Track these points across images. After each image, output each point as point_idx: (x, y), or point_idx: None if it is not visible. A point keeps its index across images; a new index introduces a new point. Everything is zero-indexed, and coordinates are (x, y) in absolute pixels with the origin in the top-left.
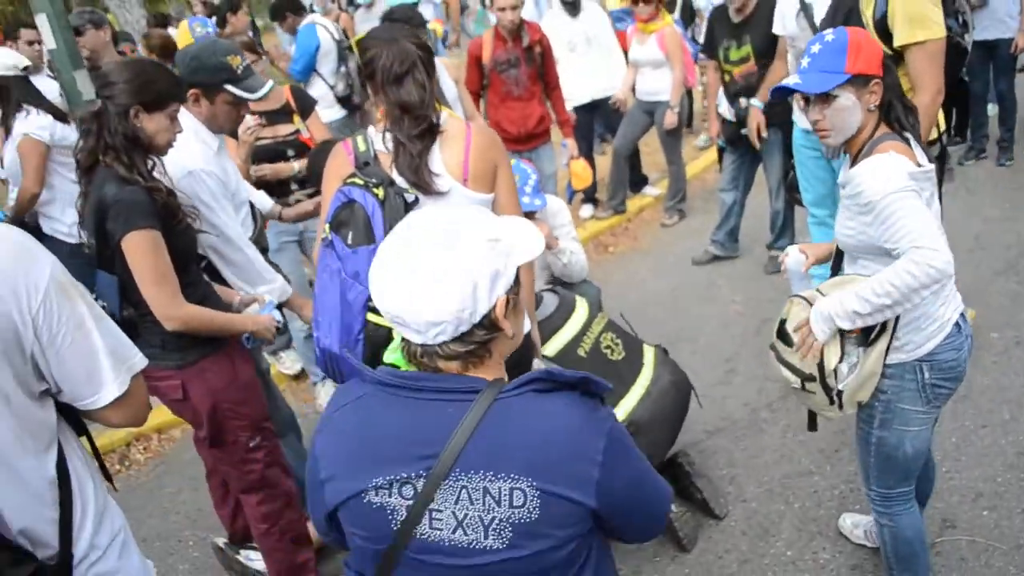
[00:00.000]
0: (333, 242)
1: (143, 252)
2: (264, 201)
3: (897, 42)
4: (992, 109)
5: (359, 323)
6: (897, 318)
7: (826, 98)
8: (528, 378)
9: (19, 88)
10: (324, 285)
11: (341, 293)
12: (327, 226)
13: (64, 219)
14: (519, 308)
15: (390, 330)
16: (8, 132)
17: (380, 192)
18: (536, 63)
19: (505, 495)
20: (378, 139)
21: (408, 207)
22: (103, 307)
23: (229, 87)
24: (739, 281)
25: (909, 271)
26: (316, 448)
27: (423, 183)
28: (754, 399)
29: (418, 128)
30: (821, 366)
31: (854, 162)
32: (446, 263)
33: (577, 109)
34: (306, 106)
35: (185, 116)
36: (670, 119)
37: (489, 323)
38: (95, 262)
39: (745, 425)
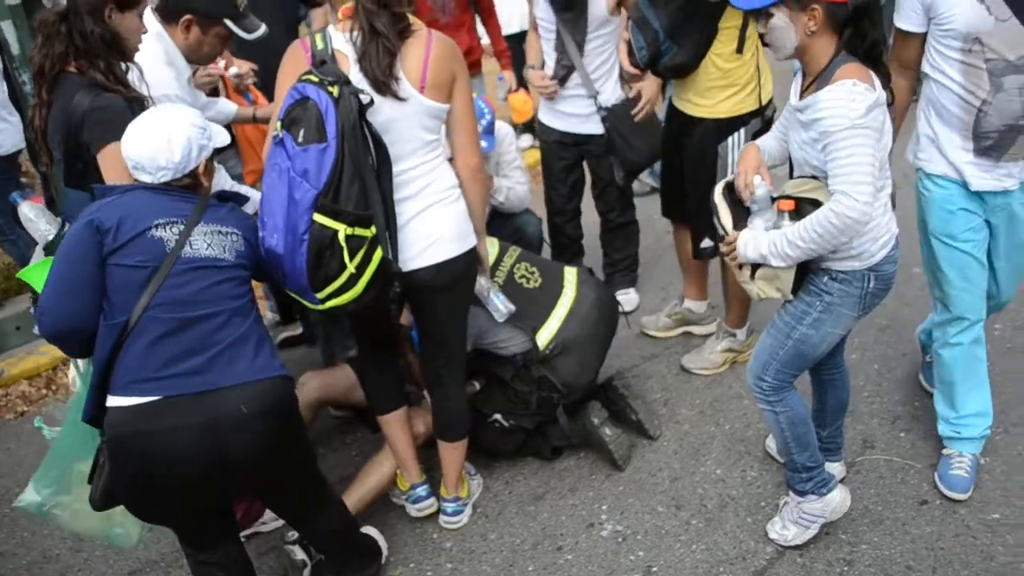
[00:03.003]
0: (284, 140)
1: (124, 164)
2: (227, 107)
3: None
4: None
5: (305, 222)
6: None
7: (766, 15)
8: (219, 195)
9: None
10: (272, 184)
11: (288, 192)
12: (279, 124)
13: None
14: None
15: (335, 232)
16: None
17: (335, 90)
18: None
19: (228, 233)
20: (337, 38)
21: (362, 108)
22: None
23: (229, 23)
24: None
25: (829, 220)
26: (95, 219)
27: (390, 83)
28: None
29: (398, 24)
30: (724, 229)
31: (810, 84)
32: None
33: (509, 38)
34: None
35: (160, 40)
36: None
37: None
38: (64, 179)
39: (680, 351)
